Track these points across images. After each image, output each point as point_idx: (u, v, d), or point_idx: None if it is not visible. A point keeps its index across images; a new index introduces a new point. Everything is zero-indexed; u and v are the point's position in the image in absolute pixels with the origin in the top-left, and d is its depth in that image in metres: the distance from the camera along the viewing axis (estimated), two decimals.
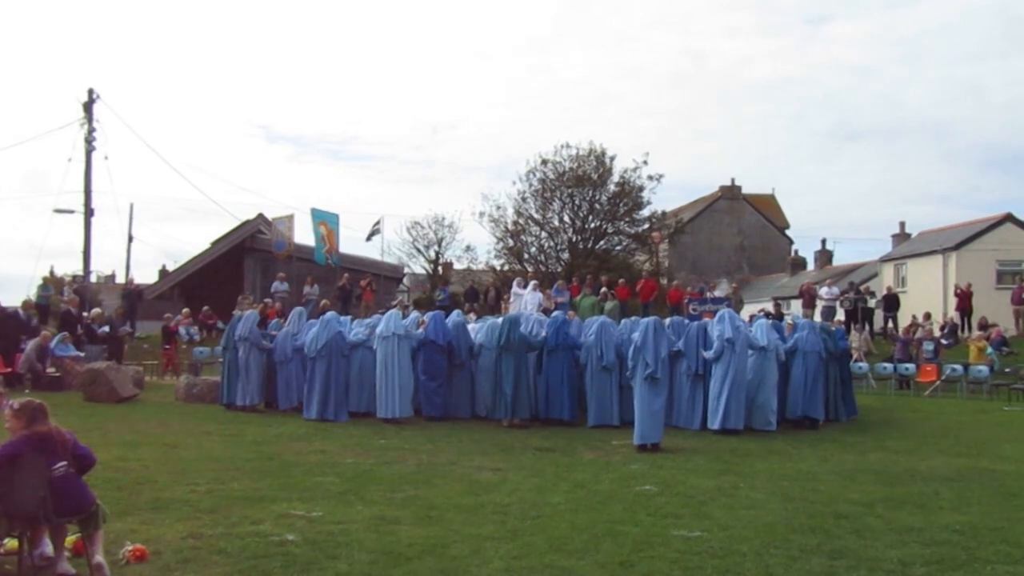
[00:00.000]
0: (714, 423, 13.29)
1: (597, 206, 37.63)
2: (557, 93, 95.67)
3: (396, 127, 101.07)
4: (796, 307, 30.35)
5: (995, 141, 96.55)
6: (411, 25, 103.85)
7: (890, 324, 26.67)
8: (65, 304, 23.19)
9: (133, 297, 26.61)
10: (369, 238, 35.49)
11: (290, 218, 30.74)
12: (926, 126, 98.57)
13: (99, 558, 5.64)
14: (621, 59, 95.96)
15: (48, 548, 5.90)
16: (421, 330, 14.91)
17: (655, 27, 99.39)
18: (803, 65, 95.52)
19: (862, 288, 27.50)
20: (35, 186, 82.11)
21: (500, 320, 15.39)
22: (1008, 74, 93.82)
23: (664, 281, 33.60)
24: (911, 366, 21.67)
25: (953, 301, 28.05)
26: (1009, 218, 32.76)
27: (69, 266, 40.40)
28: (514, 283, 24.49)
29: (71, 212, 28.71)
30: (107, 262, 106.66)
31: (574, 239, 37.91)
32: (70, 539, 5.98)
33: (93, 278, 34.14)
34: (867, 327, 25.80)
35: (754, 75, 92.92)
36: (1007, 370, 21.07)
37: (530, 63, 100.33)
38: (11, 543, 5.86)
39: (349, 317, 17.19)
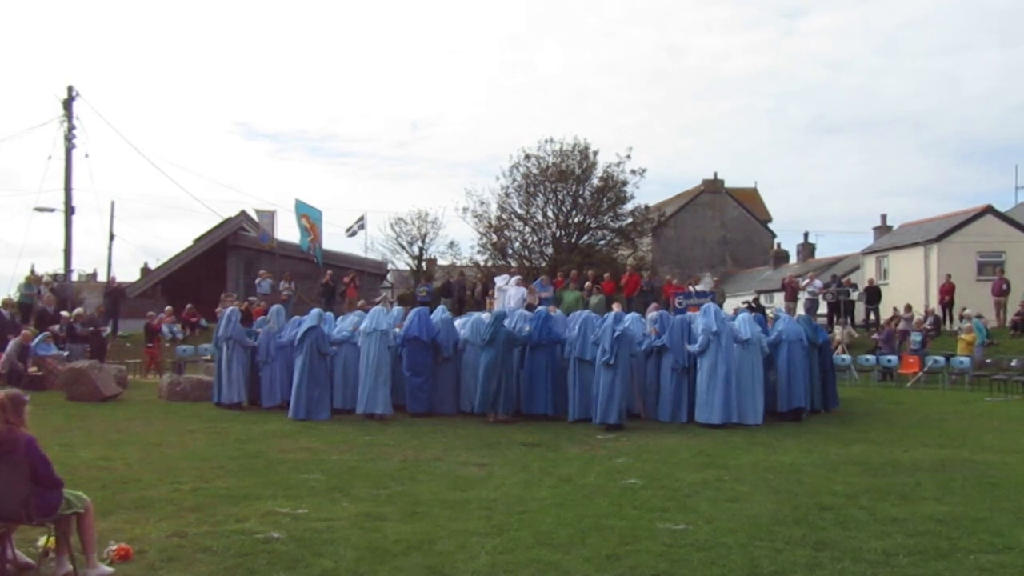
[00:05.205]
0: (709, 417, 13.34)
1: (581, 201, 37.54)
2: (537, 89, 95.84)
3: (376, 124, 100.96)
4: (779, 300, 30.48)
5: (972, 133, 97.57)
6: (390, 22, 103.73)
7: (872, 316, 26.88)
8: (42, 303, 22.99)
9: (115, 295, 26.42)
10: (351, 234, 35.36)
11: (272, 213, 30.59)
12: (903, 118, 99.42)
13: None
14: (599, 55, 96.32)
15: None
16: (398, 329, 14.89)
17: (632, 23, 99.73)
18: (780, 59, 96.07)
19: (844, 281, 27.64)
20: (13, 185, 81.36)
21: (485, 316, 15.37)
22: (984, 66, 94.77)
23: (647, 275, 33.60)
24: (894, 358, 21.82)
25: (935, 293, 28.28)
26: (989, 210, 32.99)
27: (50, 265, 40.15)
28: (498, 278, 24.45)
29: (51, 210, 28.51)
30: (88, 260, 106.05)
31: (558, 234, 37.83)
32: (44, 539, 5.91)
33: (74, 277, 33.84)
34: (849, 320, 25.96)
35: (732, 69, 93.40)
36: (988, 361, 21.24)
37: (509, 60, 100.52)
38: None
39: (331, 314, 17.13)
